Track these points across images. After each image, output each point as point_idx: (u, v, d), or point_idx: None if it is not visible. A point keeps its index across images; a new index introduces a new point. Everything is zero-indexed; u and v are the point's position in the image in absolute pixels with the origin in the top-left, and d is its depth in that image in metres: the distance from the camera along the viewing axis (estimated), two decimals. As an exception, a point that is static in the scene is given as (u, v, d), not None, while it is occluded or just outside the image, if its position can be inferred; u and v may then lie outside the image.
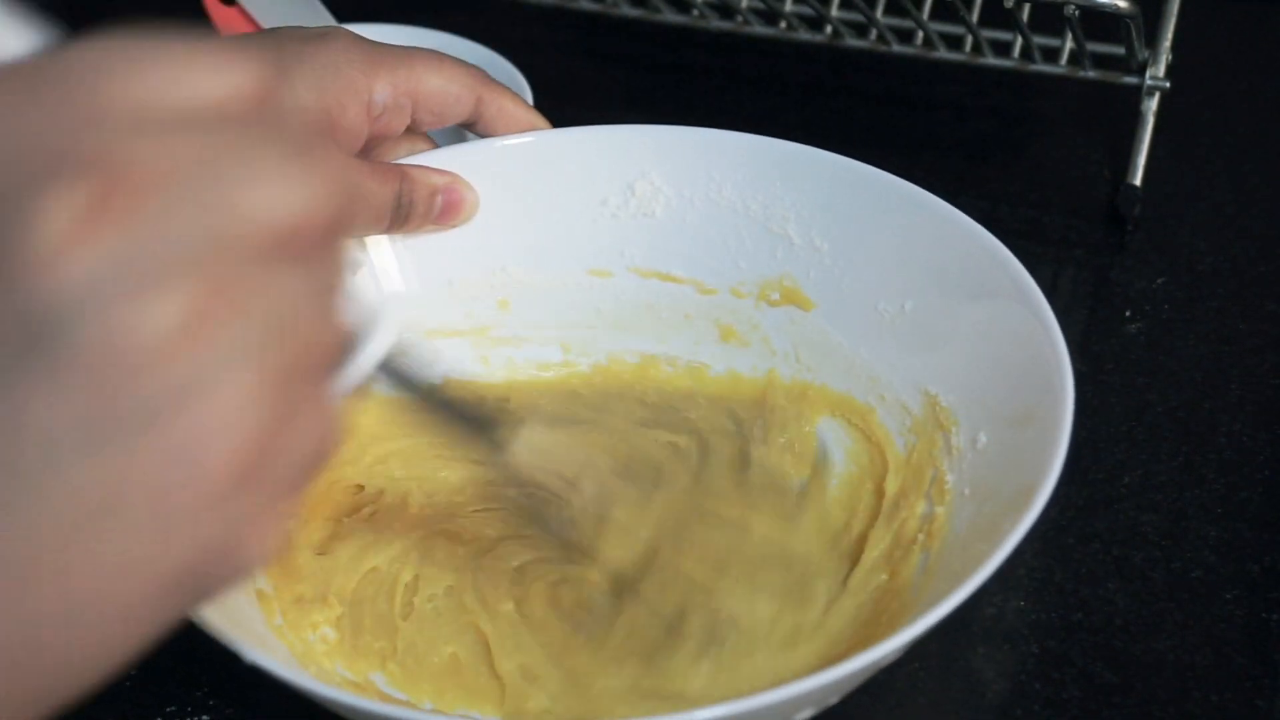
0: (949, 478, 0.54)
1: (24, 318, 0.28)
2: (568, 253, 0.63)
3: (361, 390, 0.39)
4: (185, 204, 0.29)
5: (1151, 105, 0.75)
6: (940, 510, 0.54)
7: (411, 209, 0.59)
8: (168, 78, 0.29)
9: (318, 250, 0.31)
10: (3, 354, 0.28)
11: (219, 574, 0.31)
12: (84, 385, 0.28)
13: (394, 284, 0.61)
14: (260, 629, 0.51)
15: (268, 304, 0.29)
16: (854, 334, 0.60)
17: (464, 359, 0.64)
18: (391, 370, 0.41)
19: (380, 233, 0.60)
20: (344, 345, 0.33)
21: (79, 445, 0.28)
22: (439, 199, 0.60)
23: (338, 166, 0.31)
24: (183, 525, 0.29)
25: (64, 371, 0.28)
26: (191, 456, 0.29)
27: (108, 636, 0.30)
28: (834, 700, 0.48)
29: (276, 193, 0.30)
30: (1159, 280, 0.73)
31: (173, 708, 0.54)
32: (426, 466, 0.60)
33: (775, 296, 0.62)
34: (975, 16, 0.77)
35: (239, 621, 0.49)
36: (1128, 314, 0.71)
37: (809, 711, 0.47)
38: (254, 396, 0.29)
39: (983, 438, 0.53)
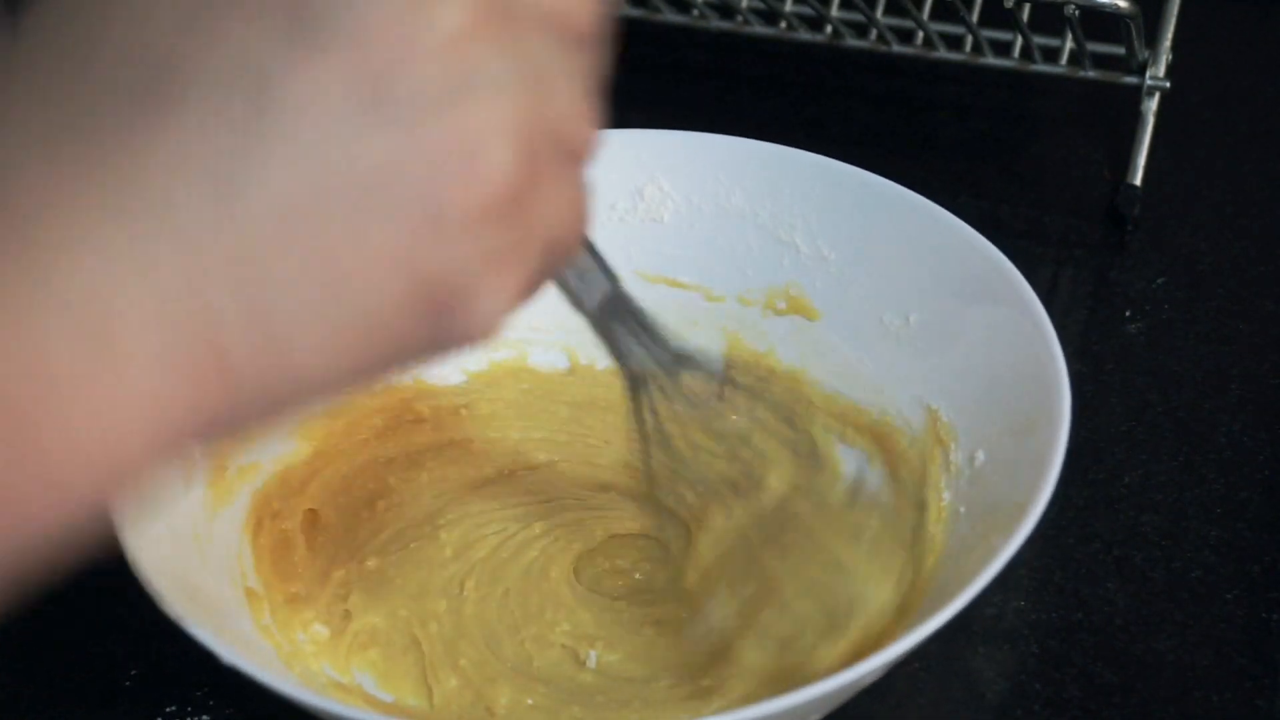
0: (946, 495, 0.54)
1: None
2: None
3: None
4: None
5: (1151, 105, 0.75)
6: (936, 529, 0.54)
7: None
8: None
9: (584, 43, 0.32)
10: (267, 37, 0.28)
11: (454, 318, 0.31)
12: (361, 64, 0.28)
13: None
14: (247, 628, 0.51)
15: (538, 55, 0.30)
16: (859, 345, 0.60)
17: (467, 361, 0.64)
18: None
19: None
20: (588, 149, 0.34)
21: (345, 121, 0.28)
22: None
23: None
24: (447, 226, 0.29)
25: (342, 53, 0.28)
26: (468, 150, 0.29)
27: (333, 335, 0.30)
28: (815, 717, 0.48)
29: None
30: (1159, 280, 0.73)
31: (173, 708, 0.54)
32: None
33: (782, 305, 0.62)
34: (975, 16, 0.77)
35: (225, 622, 0.49)
36: (1128, 314, 0.71)
37: None
38: (519, 123, 0.30)
39: (980, 455, 0.53)
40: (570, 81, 0.32)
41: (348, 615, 0.55)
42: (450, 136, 0.29)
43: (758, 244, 0.62)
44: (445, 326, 0.31)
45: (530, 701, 0.52)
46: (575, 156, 0.33)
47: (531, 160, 0.30)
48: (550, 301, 0.63)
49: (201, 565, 0.51)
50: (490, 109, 0.29)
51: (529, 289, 0.32)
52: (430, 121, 0.29)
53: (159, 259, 0.28)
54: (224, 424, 0.30)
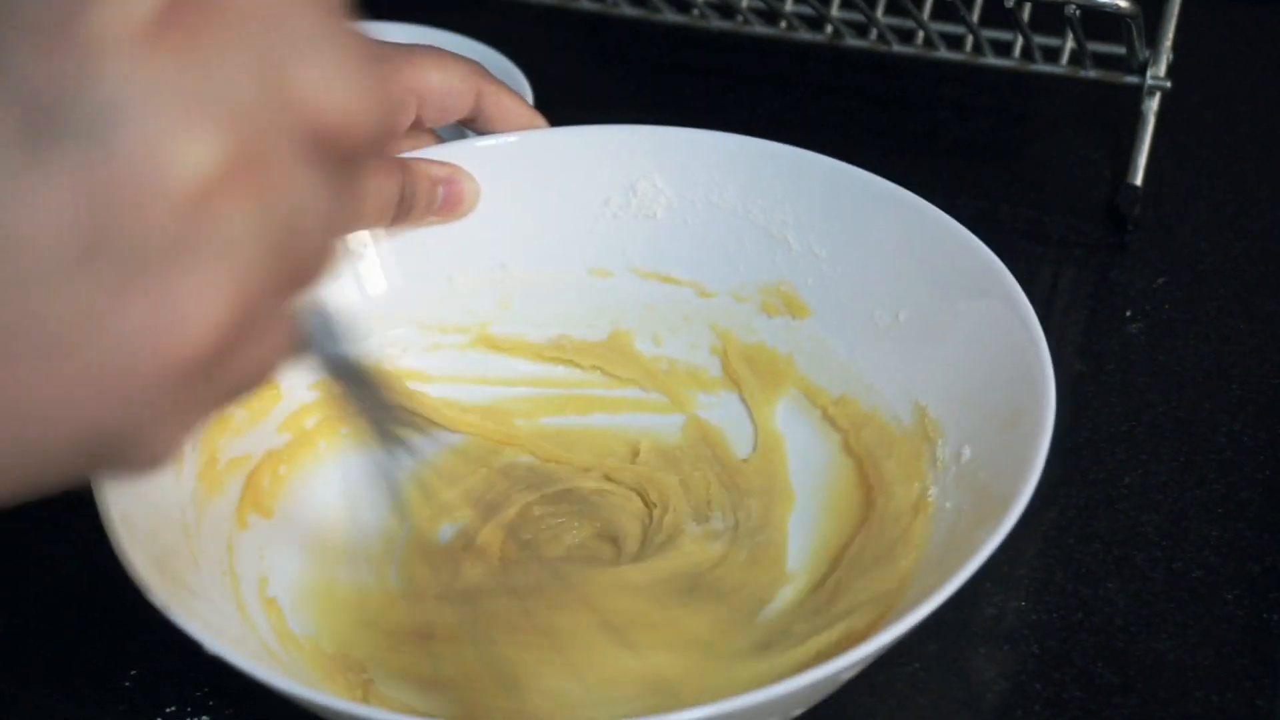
0: (932, 490, 0.54)
1: (64, 95, 0.26)
2: (569, 251, 0.63)
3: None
4: (253, 51, 0.27)
5: (1152, 105, 0.75)
6: (921, 525, 0.54)
7: (413, 201, 0.59)
8: None
9: (349, 163, 0.30)
10: (30, 123, 0.26)
11: (124, 455, 0.30)
12: (88, 199, 0.26)
13: (378, 286, 0.61)
14: (234, 619, 0.51)
15: (288, 199, 0.28)
16: (849, 342, 0.60)
17: (465, 355, 0.64)
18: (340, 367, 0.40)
19: (384, 226, 0.60)
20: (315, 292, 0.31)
21: (53, 262, 0.26)
22: (440, 191, 0.60)
23: (389, 86, 0.30)
24: (131, 387, 0.28)
25: (73, 177, 0.26)
26: (173, 317, 0.27)
27: (16, 463, 0.29)
28: (798, 710, 0.48)
29: (336, 85, 0.28)
30: (1159, 280, 0.73)
31: (172, 708, 0.54)
32: None
33: (773, 301, 0.62)
34: (975, 16, 0.77)
35: (213, 613, 0.49)
36: (1128, 314, 0.71)
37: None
38: (237, 291, 0.28)
39: (967, 452, 0.53)
40: (321, 225, 0.29)
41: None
42: (157, 302, 0.27)
43: (749, 240, 0.62)
44: (107, 465, 0.30)
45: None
46: (300, 291, 0.30)
47: (242, 325, 0.28)
48: (533, 299, 0.64)
49: (191, 557, 0.51)
50: (209, 276, 0.27)
51: (203, 423, 0.31)
52: (141, 282, 0.27)
53: None
54: None
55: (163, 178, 0.26)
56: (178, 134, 0.26)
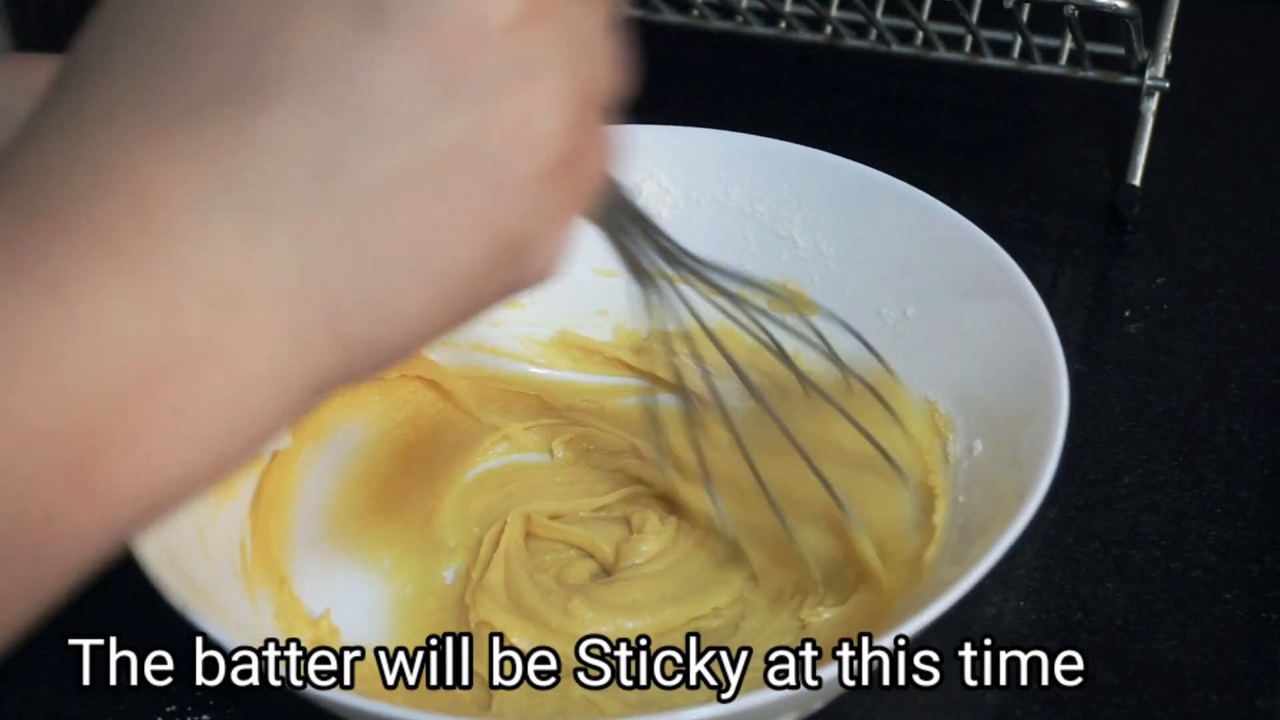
0: (945, 486, 0.54)
1: None
2: (573, 251, 0.63)
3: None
4: None
5: (1151, 105, 0.75)
6: (935, 520, 0.54)
7: None
8: None
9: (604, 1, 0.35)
10: (347, 27, 0.31)
11: (524, 264, 0.34)
12: (433, 53, 0.31)
13: None
14: (247, 619, 0.51)
15: (578, 24, 0.34)
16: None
17: (470, 355, 0.64)
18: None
19: None
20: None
21: (426, 106, 0.31)
22: None
23: None
24: (516, 190, 0.33)
25: (413, 40, 0.31)
26: (530, 126, 0.32)
27: (430, 294, 0.33)
28: (818, 705, 0.48)
29: None
30: (1159, 280, 0.73)
31: (173, 708, 0.54)
32: None
33: (780, 300, 0.62)
34: (975, 16, 0.77)
35: (228, 613, 0.49)
36: (1128, 314, 0.71)
37: (791, 715, 0.47)
38: (568, 95, 0.33)
39: (978, 446, 0.53)
40: (601, 43, 0.35)
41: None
42: (515, 115, 0.32)
43: (756, 239, 0.62)
44: (517, 273, 0.34)
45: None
46: (605, 107, 0.36)
47: (577, 124, 0.33)
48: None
49: (205, 556, 0.51)
50: (545, 88, 0.32)
51: (573, 228, 0.36)
52: (497, 103, 0.32)
53: (273, 240, 0.31)
54: (335, 385, 0.33)
55: (485, 22, 0.32)
56: None
